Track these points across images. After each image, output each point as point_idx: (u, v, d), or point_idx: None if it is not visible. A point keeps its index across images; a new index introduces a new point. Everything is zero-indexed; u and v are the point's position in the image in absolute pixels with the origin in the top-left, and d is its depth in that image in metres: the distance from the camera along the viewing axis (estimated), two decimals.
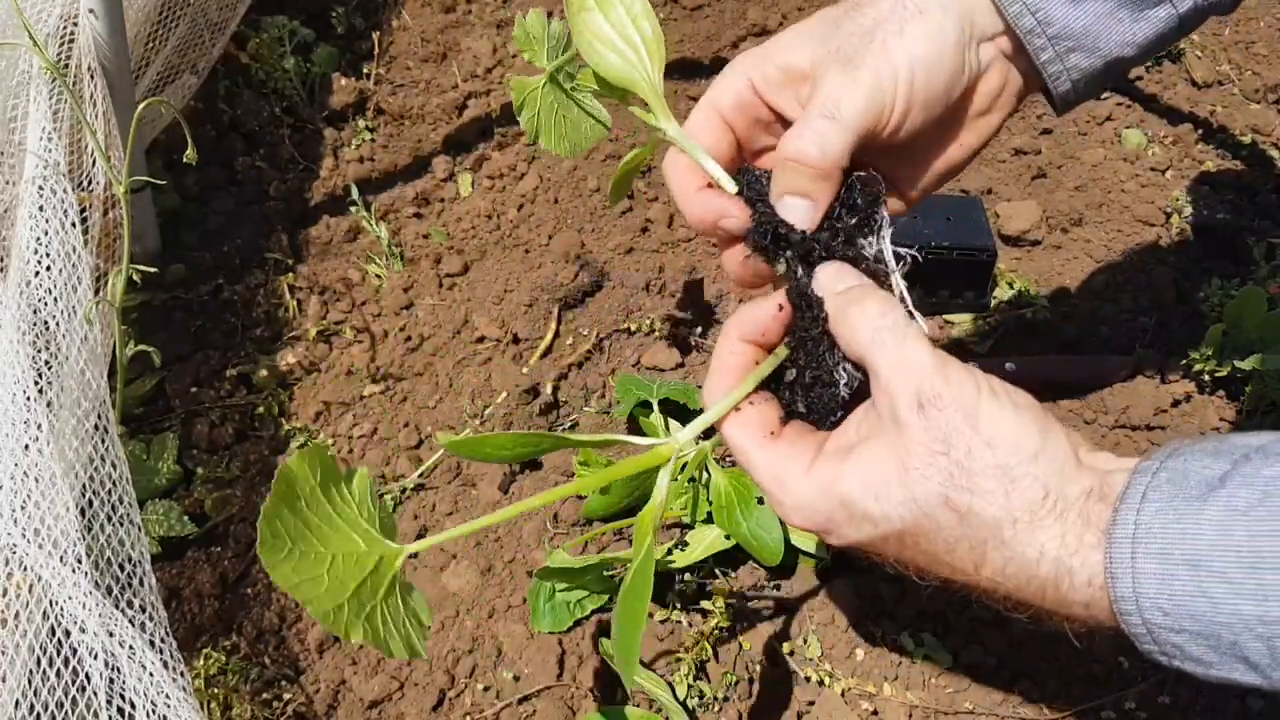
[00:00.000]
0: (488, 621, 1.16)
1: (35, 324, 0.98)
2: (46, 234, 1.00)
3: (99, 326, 1.04)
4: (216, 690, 1.08)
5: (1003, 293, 1.43)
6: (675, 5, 1.80)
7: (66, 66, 1.18)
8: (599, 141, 1.08)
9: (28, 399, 0.90)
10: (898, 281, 0.82)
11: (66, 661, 0.81)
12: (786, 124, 0.83)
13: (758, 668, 1.12)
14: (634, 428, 1.29)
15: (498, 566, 1.20)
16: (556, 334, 1.40)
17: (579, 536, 1.20)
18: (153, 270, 1.16)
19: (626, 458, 1.28)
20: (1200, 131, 1.64)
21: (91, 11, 1.16)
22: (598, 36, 0.85)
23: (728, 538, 1.14)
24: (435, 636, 1.15)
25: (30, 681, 0.82)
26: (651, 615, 1.15)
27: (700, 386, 1.30)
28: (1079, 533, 0.69)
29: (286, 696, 1.10)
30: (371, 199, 1.57)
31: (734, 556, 1.17)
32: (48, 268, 0.99)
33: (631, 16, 0.84)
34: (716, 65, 1.71)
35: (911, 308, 0.82)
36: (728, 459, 1.27)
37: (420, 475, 1.27)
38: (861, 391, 0.79)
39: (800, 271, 0.80)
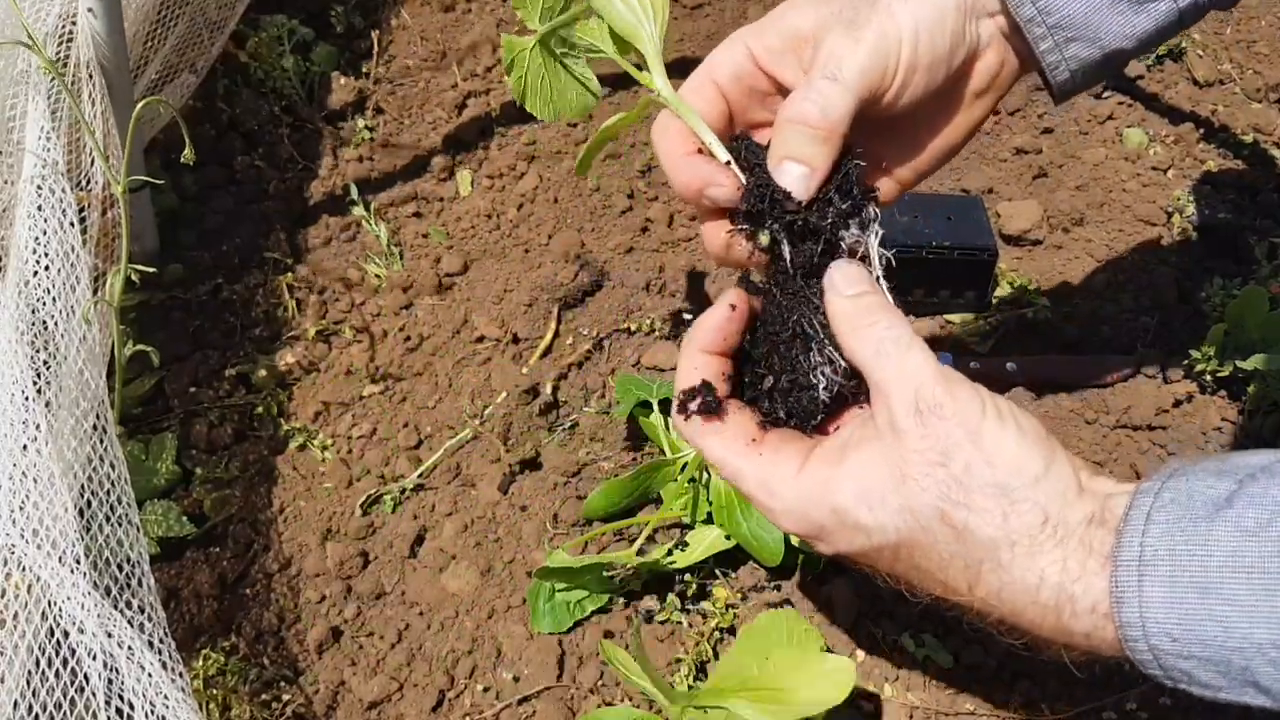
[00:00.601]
0: (488, 622, 1.15)
1: (33, 324, 0.97)
2: (45, 234, 1.00)
3: (97, 326, 1.04)
4: (215, 691, 1.08)
5: (1003, 293, 1.43)
6: (675, 4, 1.80)
7: (65, 65, 1.18)
8: (586, 112, 1.05)
9: (26, 399, 0.90)
10: (880, 281, 0.77)
11: (65, 662, 0.81)
12: (785, 94, 0.80)
13: None
14: (634, 428, 1.29)
15: (498, 567, 1.19)
16: (556, 334, 1.40)
17: (579, 536, 1.20)
18: (151, 270, 1.16)
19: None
20: (1202, 131, 1.64)
21: (90, 10, 1.16)
22: None
23: (728, 538, 1.14)
24: (435, 637, 1.15)
25: (29, 682, 0.81)
26: (651, 616, 1.14)
27: None
28: (1081, 559, 0.67)
29: (286, 697, 1.10)
30: (371, 198, 1.57)
31: (734, 556, 1.17)
32: (46, 267, 0.99)
33: None
34: None
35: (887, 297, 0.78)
36: None
37: (420, 475, 1.27)
38: (842, 395, 0.77)
39: (788, 253, 0.76)
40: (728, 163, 0.78)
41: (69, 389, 0.97)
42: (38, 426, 0.88)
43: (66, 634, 0.82)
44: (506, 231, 1.52)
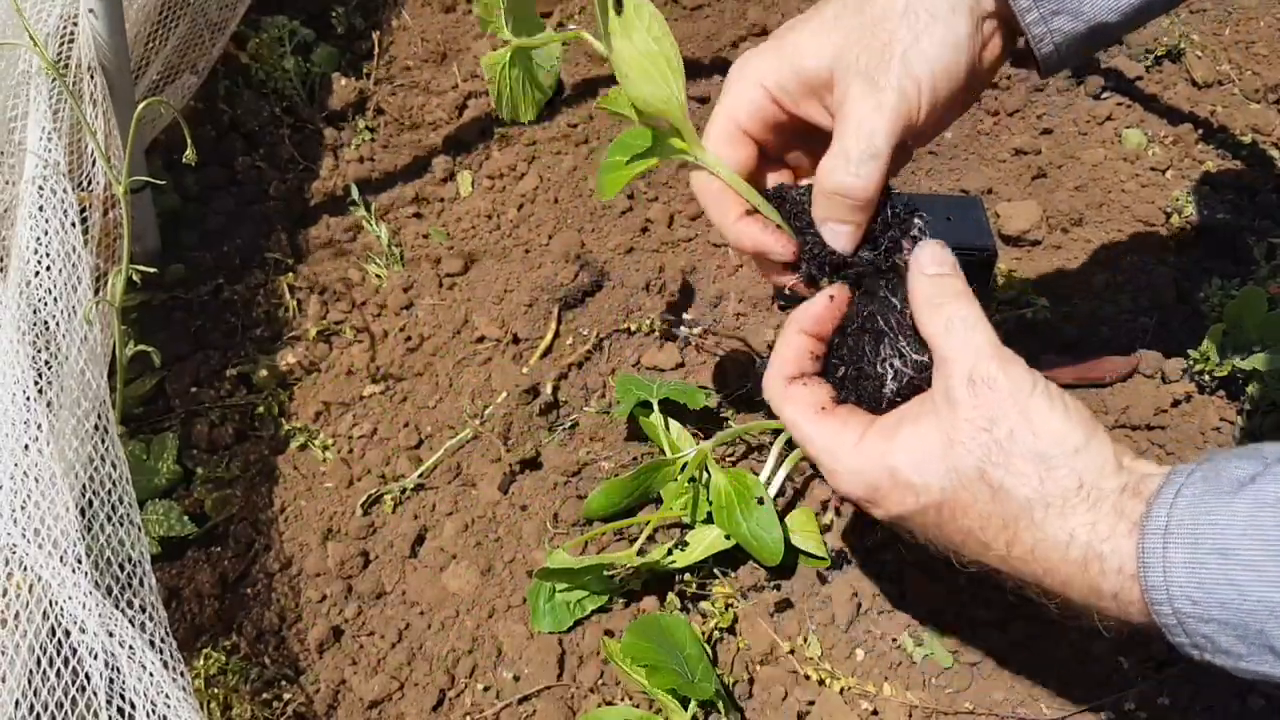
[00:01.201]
0: (488, 621, 1.16)
1: (35, 324, 0.98)
2: (46, 234, 1.00)
3: (99, 326, 1.04)
4: (216, 690, 1.08)
5: (1003, 293, 1.43)
6: (675, 5, 1.80)
7: (66, 66, 1.18)
8: (539, 107, 1.09)
9: (27, 399, 0.90)
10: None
11: (66, 661, 0.82)
12: (810, 127, 0.88)
13: (758, 668, 1.12)
14: (634, 428, 1.29)
15: (498, 566, 1.20)
16: (556, 334, 1.40)
17: (579, 536, 1.20)
18: (152, 270, 1.16)
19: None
20: (1200, 131, 1.64)
21: (91, 11, 1.16)
22: (628, 63, 0.85)
23: (728, 538, 1.14)
24: (435, 636, 1.15)
25: (30, 681, 0.82)
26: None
27: (701, 386, 1.31)
28: (1112, 523, 0.72)
29: (286, 696, 1.10)
30: (371, 199, 1.57)
31: (734, 556, 1.17)
32: (48, 268, 0.99)
33: (654, 38, 0.85)
34: (717, 65, 1.71)
35: None
36: (728, 460, 1.27)
37: (420, 475, 1.27)
38: (913, 385, 0.85)
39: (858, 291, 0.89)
40: (779, 226, 0.88)
41: (70, 389, 0.97)
42: (39, 426, 0.89)
43: (68, 633, 0.82)
44: (507, 232, 1.53)
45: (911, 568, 1.17)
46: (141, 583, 0.90)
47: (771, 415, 1.25)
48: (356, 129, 1.66)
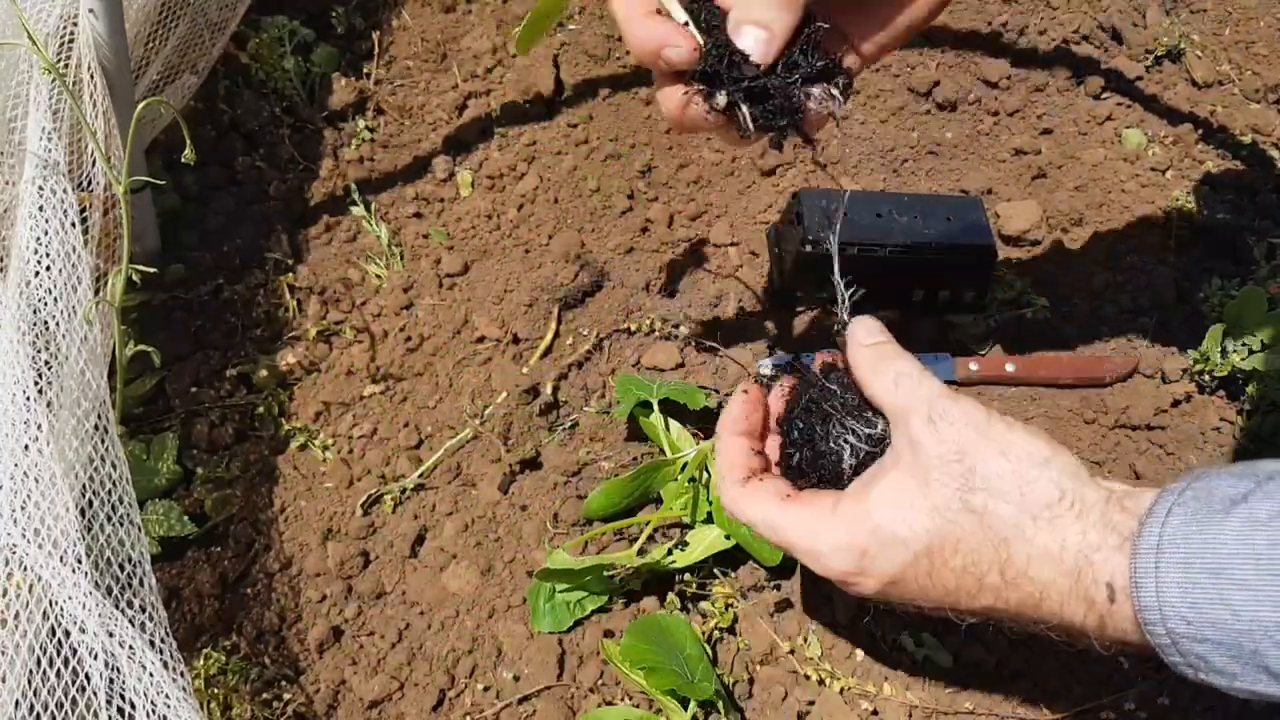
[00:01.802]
0: (488, 621, 1.16)
1: (35, 324, 0.98)
2: (46, 234, 1.00)
3: (99, 326, 1.04)
4: (216, 690, 1.08)
5: (1003, 293, 1.43)
6: None
7: (66, 66, 1.18)
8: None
9: (27, 399, 0.90)
10: (833, 242, 0.90)
11: (66, 662, 0.81)
12: None
13: (758, 668, 1.12)
14: (634, 428, 1.29)
15: (498, 566, 1.20)
16: (556, 334, 1.40)
17: (579, 536, 1.20)
18: (152, 270, 1.16)
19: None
20: (1200, 131, 1.64)
21: (91, 11, 1.16)
22: None
23: (728, 538, 1.14)
24: (435, 636, 1.15)
25: (30, 681, 0.82)
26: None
27: (701, 386, 1.31)
28: (1101, 533, 0.72)
29: (286, 696, 1.10)
30: (371, 199, 1.57)
31: (734, 556, 1.17)
32: (48, 268, 0.99)
33: None
34: None
35: (834, 238, 0.91)
36: None
37: (420, 475, 1.27)
38: (869, 458, 0.85)
39: (746, 114, 0.78)
40: (685, 23, 0.77)
41: (70, 389, 0.97)
42: (39, 426, 0.89)
43: (68, 634, 0.82)
44: (507, 232, 1.53)
45: None
46: (141, 583, 0.90)
47: None
48: (356, 129, 1.66)
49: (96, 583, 0.84)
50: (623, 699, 1.10)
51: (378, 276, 1.48)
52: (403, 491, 1.26)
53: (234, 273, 1.47)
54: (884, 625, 1.14)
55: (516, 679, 1.11)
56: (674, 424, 1.25)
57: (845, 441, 0.85)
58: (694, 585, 1.16)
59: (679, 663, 1.03)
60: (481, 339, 1.40)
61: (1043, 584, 0.74)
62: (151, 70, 1.42)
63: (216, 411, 1.32)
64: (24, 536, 0.83)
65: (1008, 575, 0.75)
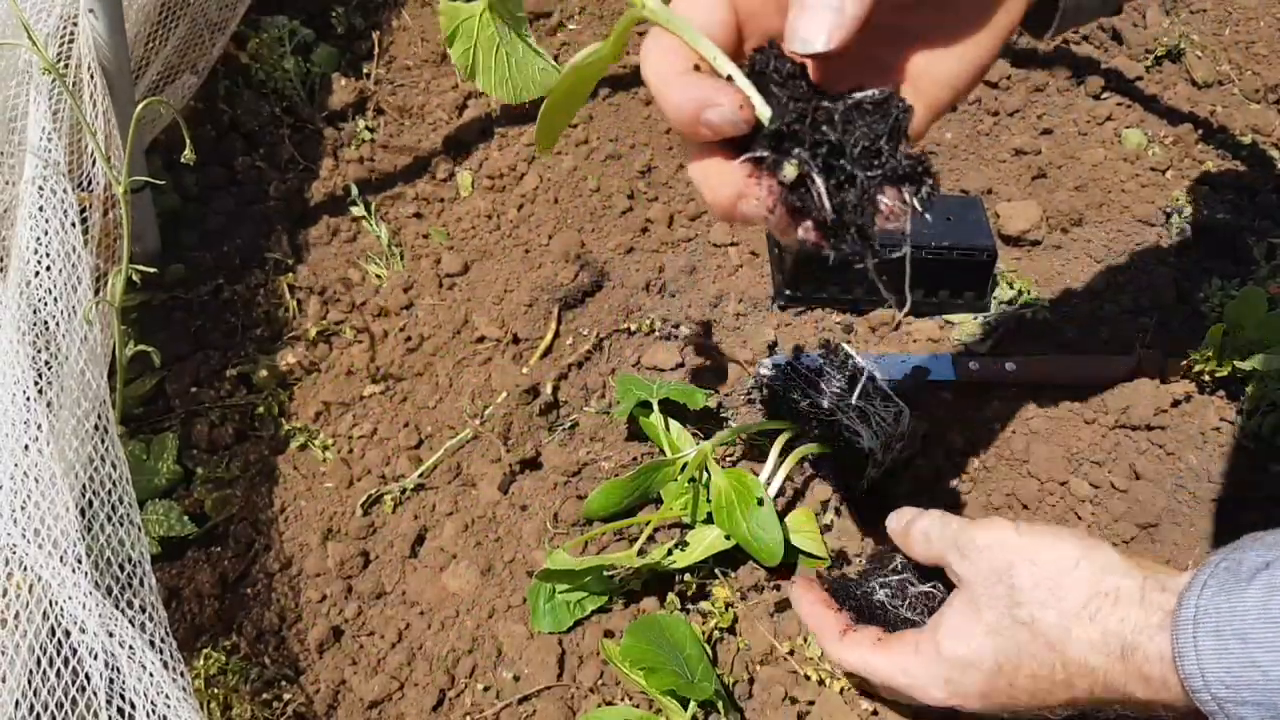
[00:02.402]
0: (488, 621, 1.15)
1: (35, 324, 0.98)
2: (46, 234, 1.00)
3: (99, 326, 1.04)
4: (216, 690, 1.08)
5: (1003, 293, 1.43)
6: None
7: (66, 66, 1.18)
8: (548, 90, 0.85)
9: (27, 399, 0.90)
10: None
11: (66, 661, 0.81)
12: None
13: (758, 668, 1.12)
14: (634, 428, 1.29)
15: (498, 566, 1.20)
16: (556, 334, 1.40)
17: (579, 536, 1.20)
18: (152, 270, 1.16)
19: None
20: (1200, 132, 1.64)
21: (91, 11, 1.16)
22: None
23: (728, 538, 1.14)
24: (435, 636, 1.15)
25: (30, 681, 0.81)
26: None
27: (701, 386, 1.30)
28: (1142, 614, 0.79)
29: (286, 696, 1.10)
30: (371, 199, 1.57)
31: (734, 556, 1.17)
32: (48, 268, 0.99)
33: None
34: None
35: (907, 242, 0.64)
36: (728, 460, 1.27)
37: (420, 475, 1.27)
38: (931, 610, 1.00)
39: (823, 189, 0.58)
40: (729, 77, 0.60)
41: (70, 389, 0.97)
42: (39, 426, 0.89)
43: (68, 634, 0.82)
44: (507, 232, 1.53)
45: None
46: (141, 583, 0.90)
47: (773, 416, 1.26)
48: (356, 129, 1.66)
49: (96, 583, 0.84)
50: (623, 699, 1.10)
51: (378, 276, 1.48)
52: (403, 491, 1.26)
53: (234, 273, 1.47)
54: None
55: (516, 679, 1.11)
56: (674, 424, 1.25)
57: (906, 616, 1.03)
58: (694, 585, 1.16)
59: (679, 663, 1.03)
60: (481, 339, 1.40)
61: (1102, 670, 0.81)
62: (151, 70, 1.42)
63: (216, 411, 1.32)
64: (24, 536, 0.83)
65: (1071, 670, 0.83)
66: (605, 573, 1.13)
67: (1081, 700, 0.85)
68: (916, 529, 0.99)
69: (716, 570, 1.17)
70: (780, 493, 1.19)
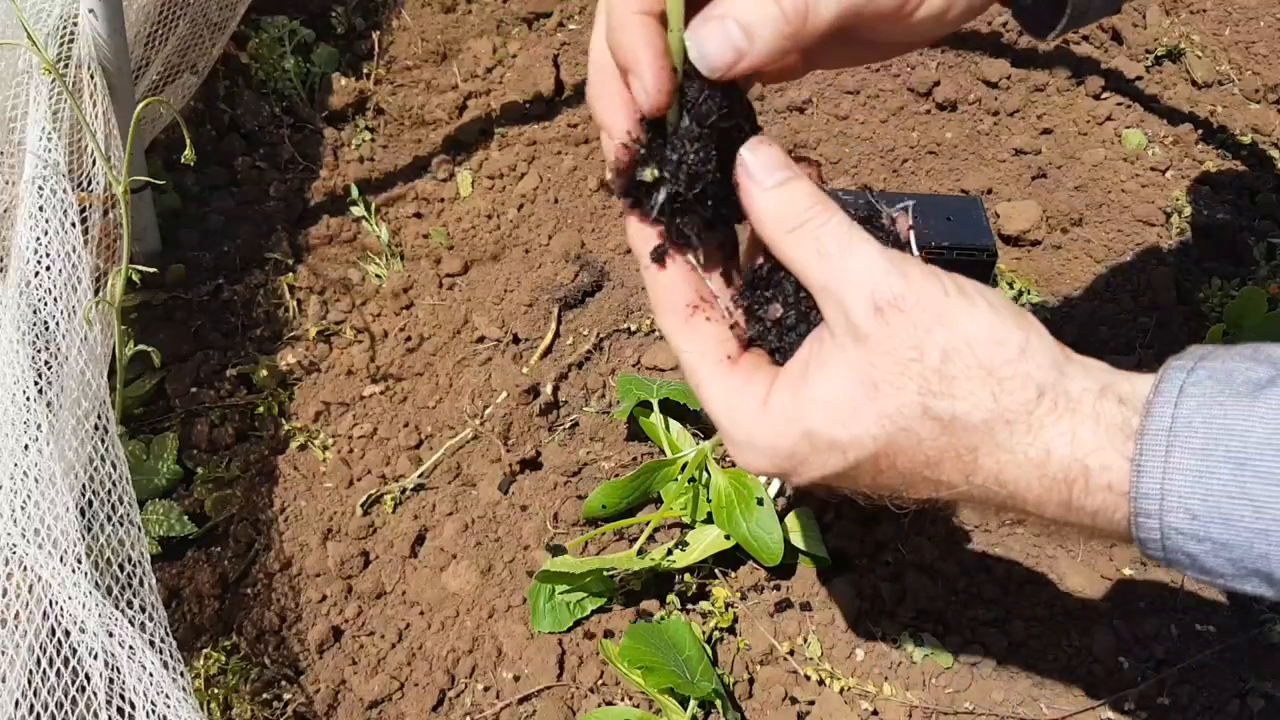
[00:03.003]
0: (488, 621, 1.16)
1: (35, 324, 0.98)
2: (46, 234, 1.00)
3: (99, 326, 1.04)
4: (216, 690, 1.08)
5: (1003, 293, 1.43)
6: None
7: (66, 66, 1.18)
8: None
9: (27, 399, 0.90)
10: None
11: (66, 661, 0.81)
12: None
13: (758, 668, 1.12)
14: (634, 428, 1.29)
15: (498, 566, 1.20)
16: (556, 334, 1.40)
17: (579, 536, 1.20)
18: (152, 270, 1.16)
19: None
20: (1200, 131, 1.64)
21: (91, 11, 1.16)
22: None
23: (728, 538, 1.14)
24: (435, 636, 1.15)
25: (30, 681, 0.81)
26: (651, 616, 1.15)
27: None
28: (1095, 432, 0.62)
29: (286, 696, 1.10)
30: (371, 199, 1.57)
31: (734, 556, 1.17)
32: (47, 268, 0.99)
33: None
34: None
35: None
36: (728, 460, 1.27)
37: (420, 475, 1.27)
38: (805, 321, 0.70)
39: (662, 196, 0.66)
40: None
41: (70, 389, 0.97)
42: (39, 426, 0.89)
43: (68, 633, 0.82)
44: (507, 232, 1.53)
45: (911, 568, 1.17)
46: (141, 583, 0.90)
47: None
48: (356, 129, 1.66)
49: (96, 583, 0.84)
50: (623, 699, 1.10)
51: (378, 276, 1.48)
52: (403, 491, 1.26)
53: (234, 273, 1.47)
54: (884, 625, 1.14)
55: (516, 679, 1.11)
56: (674, 424, 1.25)
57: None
58: (694, 585, 1.16)
59: (678, 664, 1.03)
60: (481, 339, 1.40)
61: (1016, 489, 0.64)
62: (151, 70, 1.42)
63: (216, 411, 1.32)
64: (24, 536, 0.83)
65: (975, 480, 0.65)
66: (605, 573, 1.13)
67: (950, 503, 0.68)
68: (809, 234, 0.65)
69: (716, 570, 1.17)
70: (780, 493, 1.19)
